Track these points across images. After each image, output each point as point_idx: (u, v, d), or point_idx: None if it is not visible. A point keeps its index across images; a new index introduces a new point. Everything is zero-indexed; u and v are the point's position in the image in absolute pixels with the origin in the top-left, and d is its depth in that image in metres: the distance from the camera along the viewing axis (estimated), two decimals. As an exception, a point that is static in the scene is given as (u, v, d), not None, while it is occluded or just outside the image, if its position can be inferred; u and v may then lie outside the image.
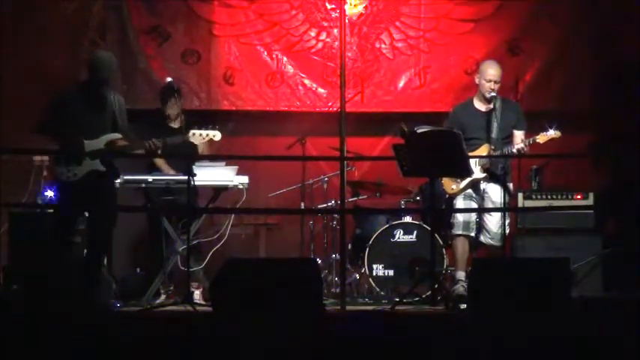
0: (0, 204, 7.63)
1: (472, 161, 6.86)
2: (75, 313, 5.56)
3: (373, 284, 7.59)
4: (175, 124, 7.59)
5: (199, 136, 6.82)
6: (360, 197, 8.23)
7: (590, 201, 7.97)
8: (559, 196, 7.98)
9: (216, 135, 6.86)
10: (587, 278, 7.57)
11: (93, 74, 6.56)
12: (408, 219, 7.85)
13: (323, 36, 8.81)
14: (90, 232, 6.72)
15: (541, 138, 6.90)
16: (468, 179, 7.02)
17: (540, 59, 8.81)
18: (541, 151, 7.15)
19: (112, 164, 6.58)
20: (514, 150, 6.92)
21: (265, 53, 8.80)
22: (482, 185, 7.10)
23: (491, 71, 7.10)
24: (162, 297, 7.28)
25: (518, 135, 7.10)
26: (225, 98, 8.77)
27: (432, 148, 6.49)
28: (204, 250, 7.42)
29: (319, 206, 8.13)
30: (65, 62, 8.41)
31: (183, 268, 6.98)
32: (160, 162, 7.52)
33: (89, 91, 6.58)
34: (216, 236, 7.43)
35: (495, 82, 7.08)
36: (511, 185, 7.13)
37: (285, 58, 8.81)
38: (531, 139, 6.97)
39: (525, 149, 6.92)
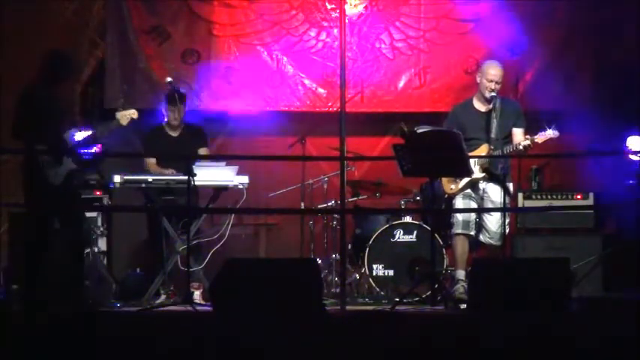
0: (0, 204, 7.63)
1: (471, 161, 6.86)
2: (62, 311, 5.56)
3: (373, 284, 7.59)
4: (175, 133, 7.59)
5: (123, 117, 6.88)
6: (360, 197, 8.22)
7: (590, 201, 7.98)
8: (559, 196, 7.99)
9: (134, 112, 6.90)
10: (587, 278, 7.57)
11: (53, 72, 6.64)
12: (408, 219, 7.84)
13: (323, 36, 8.81)
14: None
15: (539, 138, 6.88)
16: (467, 179, 7.02)
17: (540, 59, 8.81)
18: (541, 151, 7.14)
19: (86, 163, 6.62)
20: (520, 147, 6.88)
21: (265, 53, 8.80)
22: (482, 185, 7.09)
23: (492, 72, 7.09)
24: (162, 297, 7.28)
25: (518, 133, 7.06)
26: (225, 98, 8.76)
27: (432, 148, 6.48)
28: (204, 250, 7.42)
29: (319, 206, 8.13)
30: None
31: (183, 268, 6.99)
32: (152, 165, 7.51)
33: (51, 89, 6.62)
34: (216, 236, 7.42)
35: (496, 82, 7.07)
36: (511, 185, 7.11)
37: (285, 58, 8.80)
38: (530, 139, 6.96)
39: (531, 145, 6.89)
